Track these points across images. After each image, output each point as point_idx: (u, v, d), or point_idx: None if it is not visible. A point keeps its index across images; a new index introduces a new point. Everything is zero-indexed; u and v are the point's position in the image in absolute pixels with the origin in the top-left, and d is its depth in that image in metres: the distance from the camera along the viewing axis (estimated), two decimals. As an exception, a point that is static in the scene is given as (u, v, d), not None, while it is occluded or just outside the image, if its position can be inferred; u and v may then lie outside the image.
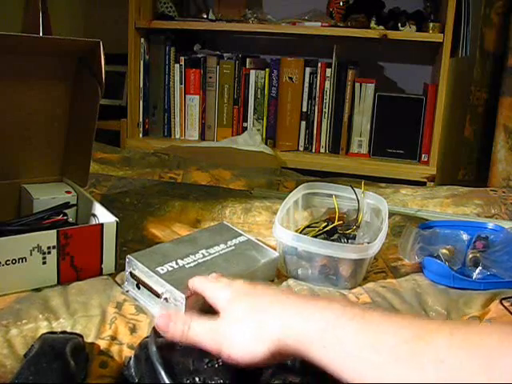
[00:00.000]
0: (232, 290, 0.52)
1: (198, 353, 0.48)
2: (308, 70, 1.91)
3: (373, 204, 0.87)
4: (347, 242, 0.79)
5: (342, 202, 0.87)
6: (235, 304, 0.50)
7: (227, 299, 0.51)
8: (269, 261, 0.73)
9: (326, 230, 0.80)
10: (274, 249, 0.76)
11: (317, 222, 0.84)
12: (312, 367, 0.43)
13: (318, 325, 0.42)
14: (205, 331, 0.49)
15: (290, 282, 0.73)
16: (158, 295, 0.62)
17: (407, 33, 1.78)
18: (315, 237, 0.77)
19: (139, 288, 0.65)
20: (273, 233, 0.74)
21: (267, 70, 1.95)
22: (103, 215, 0.75)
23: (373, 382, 0.37)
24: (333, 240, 0.79)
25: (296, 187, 0.89)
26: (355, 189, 0.88)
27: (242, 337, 0.46)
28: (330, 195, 0.87)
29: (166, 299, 0.61)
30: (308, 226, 0.83)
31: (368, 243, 0.74)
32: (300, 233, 0.79)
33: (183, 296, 0.60)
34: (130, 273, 0.66)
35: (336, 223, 0.81)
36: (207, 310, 0.63)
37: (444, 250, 0.78)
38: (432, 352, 0.34)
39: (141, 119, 2.04)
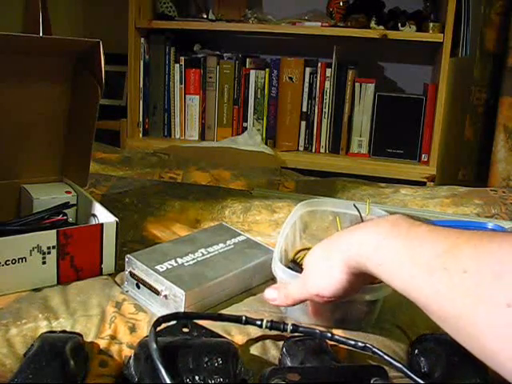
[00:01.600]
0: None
1: (198, 351, 0.48)
2: (308, 70, 1.91)
3: None
4: None
5: (345, 223, 0.75)
6: (310, 255, 0.56)
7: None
8: (268, 258, 0.73)
9: None
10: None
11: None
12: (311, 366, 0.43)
13: (372, 245, 0.48)
14: (295, 286, 0.56)
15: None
16: (157, 293, 0.62)
17: (407, 33, 1.78)
18: None
19: (139, 287, 0.65)
20: (272, 271, 0.63)
21: (267, 70, 1.95)
22: (103, 215, 0.75)
23: (413, 294, 0.42)
24: None
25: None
26: (360, 204, 0.75)
27: (319, 270, 0.53)
28: (332, 213, 0.76)
29: (165, 296, 0.61)
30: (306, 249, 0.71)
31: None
32: (296, 259, 0.70)
33: (183, 292, 0.60)
34: (130, 272, 0.66)
35: None
36: (210, 307, 0.63)
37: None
38: (458, 263, 0.39)
39: (141, 119, 2.04)
